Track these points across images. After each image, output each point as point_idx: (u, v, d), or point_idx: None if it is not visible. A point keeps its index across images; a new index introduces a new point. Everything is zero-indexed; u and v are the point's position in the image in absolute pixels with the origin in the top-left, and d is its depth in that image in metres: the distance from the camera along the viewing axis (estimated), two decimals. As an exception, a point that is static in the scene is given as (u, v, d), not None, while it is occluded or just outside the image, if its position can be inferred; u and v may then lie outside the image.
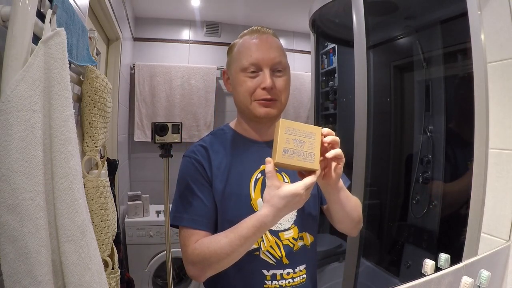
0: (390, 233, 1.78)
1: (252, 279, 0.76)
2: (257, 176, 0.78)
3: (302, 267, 0.79)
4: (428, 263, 0.86)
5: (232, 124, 0.86)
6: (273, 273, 0.76)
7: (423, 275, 0.78)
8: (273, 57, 0.75)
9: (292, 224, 0.79)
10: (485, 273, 0.83)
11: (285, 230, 0.78)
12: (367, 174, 1.44)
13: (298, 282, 0.78)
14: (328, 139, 0.63)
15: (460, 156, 1.40)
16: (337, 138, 0.64)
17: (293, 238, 0.78)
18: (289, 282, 0.77)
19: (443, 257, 0.88)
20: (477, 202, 0.94)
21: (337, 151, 0.63)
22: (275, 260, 0.76)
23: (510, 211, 0.89)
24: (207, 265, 0.69)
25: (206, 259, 0.68)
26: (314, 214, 0.82)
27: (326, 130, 0.64)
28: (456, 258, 0.91)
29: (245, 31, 0.80)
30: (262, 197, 0.74)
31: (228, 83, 0.83)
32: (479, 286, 0.83)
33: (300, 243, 0.79)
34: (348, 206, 0.75)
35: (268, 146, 0.78)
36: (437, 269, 0.85)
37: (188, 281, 2.17)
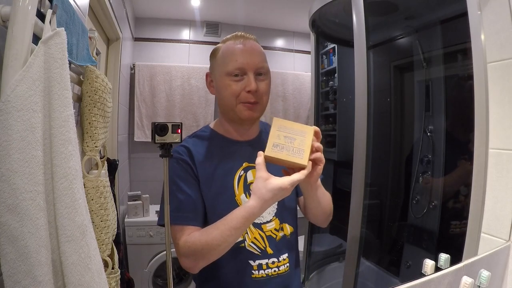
0: (390, 233, 1.78)
1: (240, 270, 0.80)
2: (240, 173, 0.83)
3: (285, 256, 0.84)
4: (428, 263, 0.86)
5: (212, 126, 0.90)
6: (259, 263, 0.80)
7: (423, 275, 0.78)
8: (257, 62, 0.79)
9: (273, 216, 0.84)
10: (485, 273, 0.82)
11: (267, 222, 0.83)
12: (367, 174, 1.43)
13: (284, 271, 0.83)
14: (316, 144, 0.68)
15: (460, 156, 1.40)
16: (321, 146, 0.69)
17: (275, 229, 0.83)
18: (274, 271, 0.82)
19: (443, 257, 0.88)
20: (477, 202, 0.94)
21: (319, 154, 0.68)
22: (259, 251, 0.81)
23: (510, 211, 0.89)
24: (200, 256, 0.72)
25: (198, 250, 0.72)
26: (292, 206, 0.88)
27: (318, 129, 0.69)
28: (456, 258, 0.90)
29: (228, 36, 0.84)
30: (245, 193, 0.81)
31: (211, 86, 0.87)
32: (479, 286, 0.83)
33: (281, 234, 0.84)
34: (324, 202, 0.82)
35: (248, 145, 0.86)
36: (437, 269, 0.85)
37: (188, 281, 2.17)
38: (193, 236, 0.74)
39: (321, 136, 0.70)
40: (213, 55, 0.85)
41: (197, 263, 0.74)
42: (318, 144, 0.68)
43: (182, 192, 0.79)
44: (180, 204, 0.78)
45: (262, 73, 0.80)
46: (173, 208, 0.78)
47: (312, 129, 0.67)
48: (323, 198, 0.82)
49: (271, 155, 0.65)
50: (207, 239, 0.71)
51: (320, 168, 0.69)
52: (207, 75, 0.88)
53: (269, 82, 0.83)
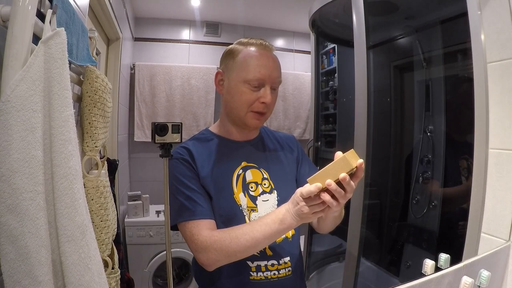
0: (390, 233, 1.78)
1: (238, 270, 0.79)
2: (238, 172, 0.83)
3: (286, 260, 0.81)
4: (428, 263, 0.86)
5: (212, 128, 0.91)
6: (257, 265, 0.79)
7: (423, 275, 0.78)
8: (276, 77, 0.81)
9: None
10: (485, 273, 0.82)
11: None
12: (367, 174, 1.44)
13: (284, 275, 0.80)
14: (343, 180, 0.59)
15: (460, 156, 1.40)
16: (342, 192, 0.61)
17: None
18: (274, 274, 0.79)
19: (443, 257, 0.88)
20: (477, 202, 0.94)
21: (328, 199, 0.61)
22: (258, 252, 0.79)
23: (510, 211, 0.89)
24: (225, 251, 0.71)
25: (225, 245, 0.71)
26: None
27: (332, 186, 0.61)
28: (456, 258, 0.90)
29: (250, 40, 0.83)
30: (243, 192, 0.81)
31: (221, 85, 0.86)
32: (479, 286, 0.83)
33: (282, 236, 0.82)
34: (337, 219, 0.82)
35: (248, 145, 0.88)
36: (437, 269, 0.85)
37: (188, 281, 2.17)
38: (220, 230, 0.74)
39: (360, 174, 0.61)
40: (231, 55, 0.83)
41: (218, 259, 0.72)
42: (328, 199, 0.61)
43: (190, 189, 0.79)
44: (191, 201, 0.78)
45: (275, 86, 0.83)
46: (183, 206, 0.78)
47: (346, 166, 0.59)
48: (339, 215, 0.80)
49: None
50: (237, 233, 0.71)
51: (330, 210, 0.63)
52: (217, 73, 0.87)
53: (277, 94, 0.86)
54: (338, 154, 0.61)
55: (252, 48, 0.81)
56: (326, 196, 0.61)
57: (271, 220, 0.68)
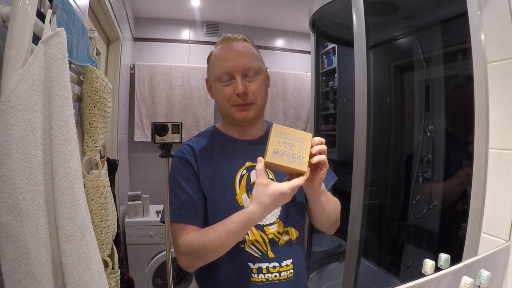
0: (390, 233, 1.78)
1: (239, 272, 0.78)
2: (242, 172, 0.82)
3: (288, 262, 0.80)
4: (428, 263, 0.86)
5: (218, 126, 0.90)
6: (258, 266, 0.78)
7: (423, 275, 0.78)
8: (242, 64, 0.78)
9: (277, 219, 0.81)
10: (485, 273, 0.82)
11: (270, 224, 0.80)
12: (367, 174, 1.43)
13: (285, 277, 0.79)
14: (317, 148, 0.69)
15: (460, 156, 1.40)
16: (325, 147, 0.70)
17: (278, 233, 0.81)
18: (275, 276, 0.78)
19: (443, 257, 0.88)
20: (477, 202, 0.94)
21: (322, 157, 0.69)
22: (260, 254, 0.78)
23: (510, 211, 0.89)
24: (197, 256, 0.73)
25: (196, 250, 0.72)
26: (300, 210, 0.85)
27: (317, 139, 0.70)
28: (456, 258, 0.90)
29: (219, 40, 0.84)
30: (247, 193, 0.80)
31: (211, 90, 0.87)
32: (479, 286, 0.83)
33: (285, 238, 0.81)
34: (328, 208, 0.80)
35: (253, 144, 0.85)
36: (437, 269, 0.85)
37: (188, 281, 2.17)
38: (192, 235, 0.74)
39: (324, 141, 0.70)
40: (207, 60, 0.86)
41: (194, 262, 0.75)
42: (322, 147, 0.69)
43: (183, 191, 0.78)
44: (181, 203, 0.78)
45: (250, 73, 0.79)
46: (174, 207, 0.79)
47: (310, 135, 0.68)
48: (328, 205, 0.79)
49: (272, 161, 0.66)
50: (204, 240, 0.71)
51: (323, 173, 0.69)
52: (206, 80, 0.88)
53: (262, 81, 0.81)
54: (280, 127, 0.68)
55: (219, 46, 0.82)
56: (322, 162, 0.68)
57: (238, 227, 0.68)
